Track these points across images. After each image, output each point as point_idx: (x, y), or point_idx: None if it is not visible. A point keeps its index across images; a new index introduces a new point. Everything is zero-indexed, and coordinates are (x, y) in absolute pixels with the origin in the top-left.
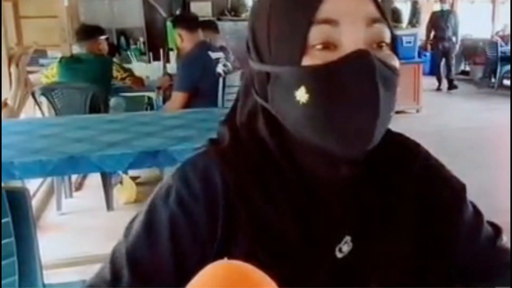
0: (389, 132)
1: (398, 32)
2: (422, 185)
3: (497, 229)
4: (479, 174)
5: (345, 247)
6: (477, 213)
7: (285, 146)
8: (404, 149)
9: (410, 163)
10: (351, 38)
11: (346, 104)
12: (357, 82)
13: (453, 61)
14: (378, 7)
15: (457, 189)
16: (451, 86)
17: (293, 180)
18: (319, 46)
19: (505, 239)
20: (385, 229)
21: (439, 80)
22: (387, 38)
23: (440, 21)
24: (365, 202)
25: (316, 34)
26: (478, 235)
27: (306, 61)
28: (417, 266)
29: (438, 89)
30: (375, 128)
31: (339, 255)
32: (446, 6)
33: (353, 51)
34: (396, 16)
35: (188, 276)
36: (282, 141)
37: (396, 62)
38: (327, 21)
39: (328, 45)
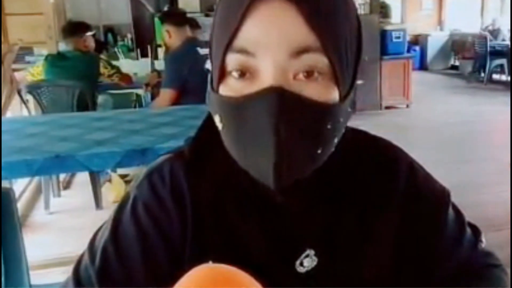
0: (364, 139)
1: (387, 28)
2: (407, 194)
3: (477, 231)
4: (468, 167)
5: (306, 261)
6: (458, 215)
7: None
8: (386, 157)
9: (394, 172)
10: (268, 71)
11: (250, 144)
12: (259, 123)
13: None
14: (318, 34)
15: (441, 196)
16: None
17: (253, 193)
18: (235, 74)
19: (484, 241)
20: (359, 244)
21: None
22: (324, 67)
23: None
24: (333, 217)
25: (231, 61)
26: (460, 240)
27: (222, 89)
28: (394, 281)
29: None
30: (281, 169)
31: (301, 269)
32: None
33: (262, 89)
34: (385, 11)
35: None
36: None
37: (330, 94)
38: (242, 51)
39: (245, 74)
